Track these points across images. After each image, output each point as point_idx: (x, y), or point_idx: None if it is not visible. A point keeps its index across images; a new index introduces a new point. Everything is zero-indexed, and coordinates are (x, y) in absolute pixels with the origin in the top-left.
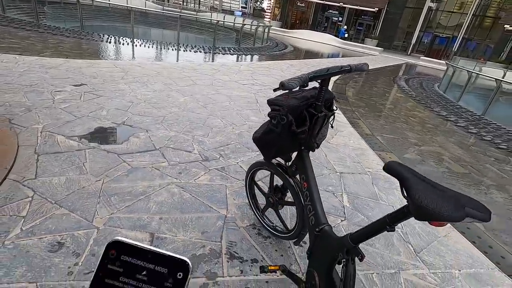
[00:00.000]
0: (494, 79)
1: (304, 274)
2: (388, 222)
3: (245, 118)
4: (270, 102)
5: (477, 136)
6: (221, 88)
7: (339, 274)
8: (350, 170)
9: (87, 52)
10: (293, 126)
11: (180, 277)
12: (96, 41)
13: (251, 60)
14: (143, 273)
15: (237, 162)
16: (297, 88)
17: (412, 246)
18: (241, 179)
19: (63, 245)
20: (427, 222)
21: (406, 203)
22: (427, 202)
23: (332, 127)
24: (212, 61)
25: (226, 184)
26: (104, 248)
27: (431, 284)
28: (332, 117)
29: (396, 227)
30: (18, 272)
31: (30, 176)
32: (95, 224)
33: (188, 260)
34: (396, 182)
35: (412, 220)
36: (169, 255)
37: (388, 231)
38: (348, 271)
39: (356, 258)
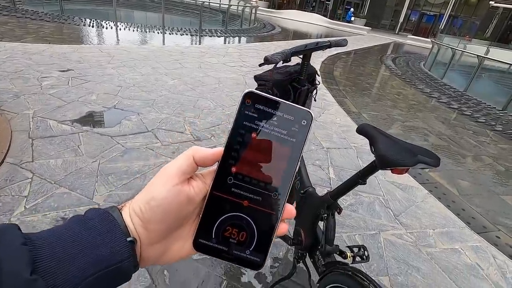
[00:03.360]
0: (476, 56)
1: (288, 230)
2: (360, 176)
3: (234, 99)
4: (257, 78)
5: (458, 111)
6: (209, 70)
7: (321, 229)
8: (336, 145)
9: (69, 37)
10: None
11: (304, 124)
12: (77, 25)
13: (239, 42)
14: (274, 119)
15: None
16: (281, 63)
17: (392, 211)
18: None
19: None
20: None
21: (374, 158)
22: (388, 153)
23: (315, 100)
24: (199, 43)
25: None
26: (241, 97)
27: (407, 242)
28: (315, 91)
29: (369, 183)
30: None
31: (27, 159)
32: (95, 200)
33: (311, 112)
34: None
35: (392, 187)
36: (295, 105)
37: (360, 184)
38: (329, 224)
39: (336, 213)
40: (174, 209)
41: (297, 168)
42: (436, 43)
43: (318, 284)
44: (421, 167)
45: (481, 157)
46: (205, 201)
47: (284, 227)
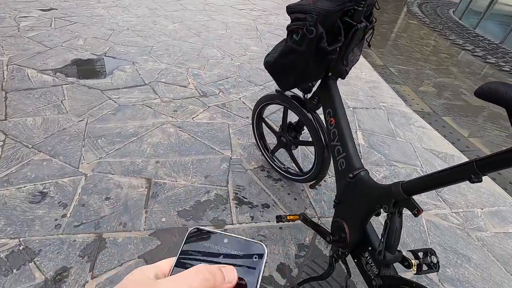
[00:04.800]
0: None
1: (320, 218)
2: (475, 169)
3: (244, 48)
4: (291, 9)
5: (496, 66)
6: (215, 13)
7: (372, 225)
8: (363, 104)
9: None
10: (323, 41)
11: (255, 260)
12: None
13: None
14: (220, 257)
15: (239, 98)
16: None
17: None
18: (245, 116)
19: (47, 195)
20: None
21: None
22: None
23: (369, 45)
24: None
25: (228, 122)
26: (185, 236)
27: (453, 224)
28: (371, 31)
29: (476, 179)
30: None
31: None
32: (81, 170)
33: (263, 245)
34: (413, 117)
35: (431, 156)
36: (244, 239)
37: (472, 182)
38: (393, 225)
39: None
40: None
41: None
42: None
43: None
44: None
45: None
46: None
47: None
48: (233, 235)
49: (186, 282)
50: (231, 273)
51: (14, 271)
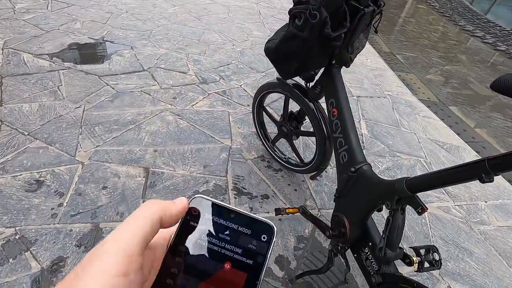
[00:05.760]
0: None
1: (320, 210)
2: (487, 168)
3: (246, 33)
4: None
5: (506, 54)
6: None
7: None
8: (368, 93)
9: None
10: (327, 27)
11: (264, 240)
12: None
13: None
14: (225, 232)
15: (240, 85)
16: None
17: None
18: (246, 104)
19: (43, 184)
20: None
21: None
22: None
23: (376, 31)
24: None
25: (229, 110)
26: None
27: (456, 217)
28: (378, 15)
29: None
30: None
31: None
32: (78, 158)
33: (272, 224)
34: (418, 107)
35: (436, 148)
36: (253, 217)
37: (483, 182)
38: (395, 222)
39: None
40: None
41: None
42: None
43: None
44: None
45: None
46: None
47: None
48: (241, 210)
49: (137, 224)
50: (181, 199)
51: (10, 260)
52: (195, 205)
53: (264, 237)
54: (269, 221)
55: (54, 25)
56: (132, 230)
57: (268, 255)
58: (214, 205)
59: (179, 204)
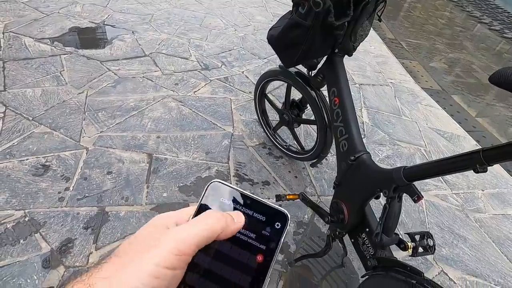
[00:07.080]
0: None
1: (320, 197)
2: (481, 159)
3: (249, 17)
4: None
5: None
6: None
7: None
8: (370, 81)
9: None
10: (330, 15)
11: (278, 227)
12: None
13: None
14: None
15: (243, 72)
16: None
17: None
18: (248, 91)
19: (49, 168)
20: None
21: None
22: None
23: (379, 20)
24: None
25: (230, 97)
26: (204, 189)
27: (452, 205)
28: (383, 3)
29: (483, 168)
30: (0, 198)
31: None
32: (83, 144)
33: (287, 213)
34: (421, 95)
35: (436, 136)
36: (268, 204)
37: (477, 172)
38: (391, 210)
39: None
40: None
41: (267, 283)
42: None
43: (362, 279)
44: None
45: None
46: None
47: None
48: (256, 197)
49: (198, 228)
50: (240, 216)
51: (21, 241)
52: (213, 189)
53: (278, 225)
54: (284, 209)
55: (54, 8)
56: (192, 232)
57: (281, 242)
58: (231, 190)
59: (238, 224)
